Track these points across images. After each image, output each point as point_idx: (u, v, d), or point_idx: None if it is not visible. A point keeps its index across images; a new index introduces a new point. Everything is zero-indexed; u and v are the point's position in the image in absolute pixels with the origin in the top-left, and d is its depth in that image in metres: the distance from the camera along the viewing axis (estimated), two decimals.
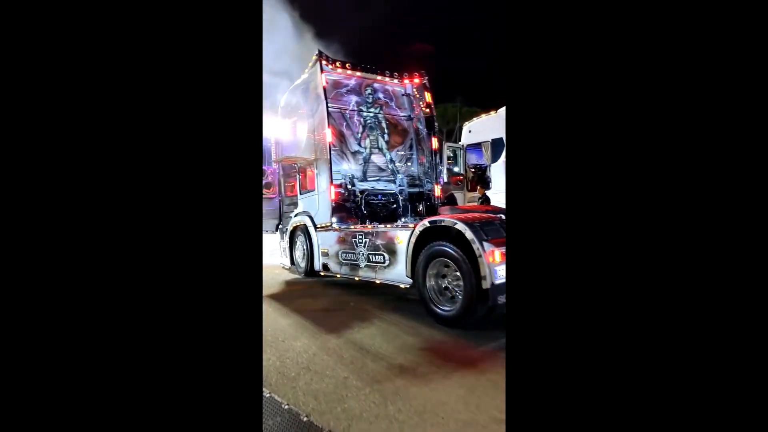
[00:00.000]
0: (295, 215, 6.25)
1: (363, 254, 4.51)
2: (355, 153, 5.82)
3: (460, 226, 3.17)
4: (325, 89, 5.42)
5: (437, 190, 6.24)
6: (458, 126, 18.98)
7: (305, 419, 1.89)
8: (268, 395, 2.14)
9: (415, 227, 3.75)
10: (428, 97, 6.46)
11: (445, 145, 8.00)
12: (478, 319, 3.18)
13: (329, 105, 5.45)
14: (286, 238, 6.48)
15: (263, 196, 6.74)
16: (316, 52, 5.66)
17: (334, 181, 5.42)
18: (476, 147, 8.00)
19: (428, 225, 3.57)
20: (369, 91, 6.12)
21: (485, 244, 2.98)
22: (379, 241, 4.26)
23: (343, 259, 4.93)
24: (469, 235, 3.08)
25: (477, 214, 3.49)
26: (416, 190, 6.13)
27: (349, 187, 5.51)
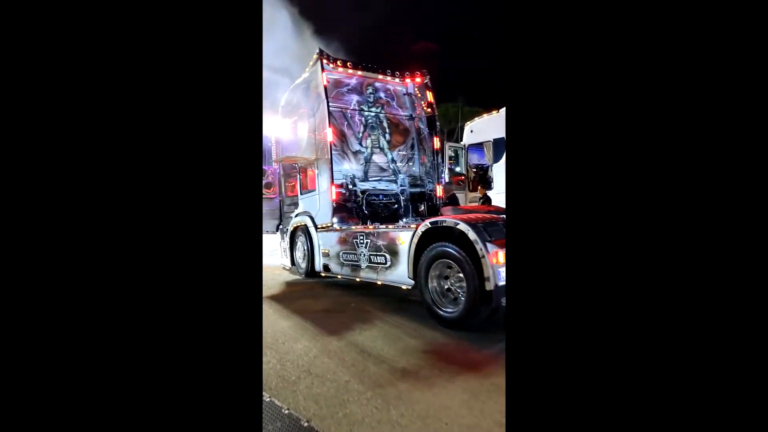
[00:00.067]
0: (296, 215, 6.22)
1: (364, 255, 4.48)
2: (356, 153, 5.80)
3: (462, 226, 3.13)
4: (326, 88, 5.39)
5: (439, 190, 6.20)
6: (459, 126, 18.99)
7: (306, 424, 1.86)
8: (268, 399, 2.10)
9: (417, 228, 3.71)
10: (430, 96, 6.43)
11: (447, 144, 7.97)
12: (481, 321, 3.14)
13: (330, 104, 5.42)
14: (287, 239, 6.45)
15: (263, 196, 6.72)
16: (317, 51, 5.63)
17: (335, 181, 5.39)
18: (478, 147, 7.97)
19: (430, 225, 3.54)
20: (370, 90, 6.10)
21: (488, 245, 2.94)
22: (380, 242, 4.22)
23: (344, 260, 4.89)
24: (472, 235, 3.04)
25: (480, 215, 3.46)
26: (418, 190, 6.10)
27: (351, 187, 5.48)
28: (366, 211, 5.46)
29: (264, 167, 6.78)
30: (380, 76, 6.20)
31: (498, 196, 6.67)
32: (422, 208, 6.05)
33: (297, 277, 6.24)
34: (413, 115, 6.38)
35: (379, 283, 4.36)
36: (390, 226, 4.35)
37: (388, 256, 4.12)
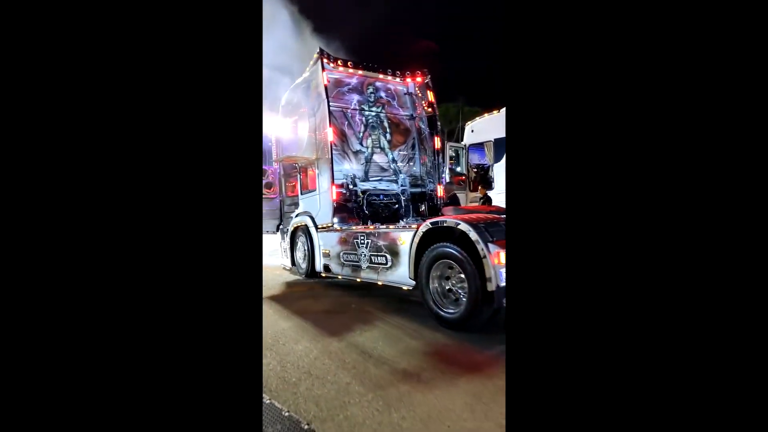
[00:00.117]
0: (296, 215, 6.20)
1: (365, 255, 4.46)
2: (356, 152, 5.78)
3: (464, 226, 3.11)
4: (326, 88, 5.37)
5: (440, 190, 6.19)
6: (460, 126, 18.97)
7: (306, 427, 1.84)
8: (268, 401, 2.08)
9: (418, 228, 3.69)
10: (431, 96, 6.41)
11: (448, 144, 7.95)
12: (483, 322, 3.12)
13: (331, 104, 5.40)
14: (287, 239, 6.43)
15: (264, 196, 6.70)
16: (318, 51, 5.61)
17: (336, 181, 5.37)
18: (479, 147, 7.96)
19: (431, 226, 3.52)
20: (371, 89, 6.08)
21: (490, 245, 2.92)
22: (381, 242, 4.20)
23: (345, 260, 4.87)
24: (473, 235, 3.02)
25: (481, 215, 3.44)
26: (418, 190, 6.09)
27: (351, 187, 5.47)
28: (367, 211, 5.44)
29: (264, 167, 6.77)
30: (381, 76, 6.18)
31: (499, 196, 6.66)
32: (423, 208, 6.03)
33: (297, 277, 6.22)
34: (414, 115, 6.36)
35: (379, 283, 4.34)
36: (391, 227, 4.33)
37: (388, 257, 4.10)
